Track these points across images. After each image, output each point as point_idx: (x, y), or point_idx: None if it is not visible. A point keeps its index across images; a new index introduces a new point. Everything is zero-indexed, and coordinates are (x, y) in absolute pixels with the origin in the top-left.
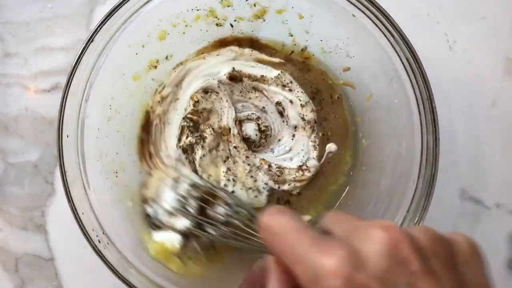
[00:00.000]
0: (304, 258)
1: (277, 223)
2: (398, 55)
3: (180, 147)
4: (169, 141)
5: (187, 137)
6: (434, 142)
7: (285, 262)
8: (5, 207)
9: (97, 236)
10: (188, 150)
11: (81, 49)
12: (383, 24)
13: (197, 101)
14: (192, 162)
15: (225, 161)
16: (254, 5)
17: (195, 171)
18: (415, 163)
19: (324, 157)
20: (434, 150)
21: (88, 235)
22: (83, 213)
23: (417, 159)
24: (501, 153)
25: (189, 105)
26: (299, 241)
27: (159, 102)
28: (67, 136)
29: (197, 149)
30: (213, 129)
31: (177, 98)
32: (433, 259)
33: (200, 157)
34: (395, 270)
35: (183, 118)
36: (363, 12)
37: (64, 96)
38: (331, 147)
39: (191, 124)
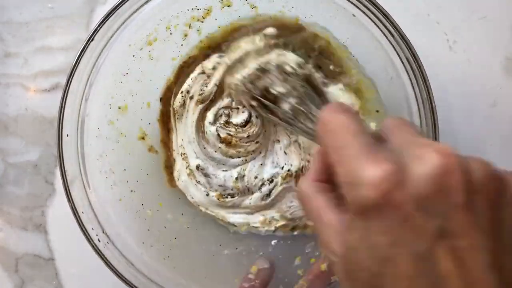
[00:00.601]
0: (349, 162)
1: (336, 120)
2: (398, 55)
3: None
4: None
5: None
6: None
7: (329, 157)
8: (5, 207)
9: (97, 235)
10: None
11: (81, 49)
12: (383, 24)
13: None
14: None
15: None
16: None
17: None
18: None
19: None
20: None
21: (88, 234)
22: (83, 212)
23: None
24: (501, 153)
25: None
26: (350, 144)
27: None
28: (67, 135)
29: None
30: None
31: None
32: (479, 195)
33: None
34: (436, 198)
35: None
36: (363, 12)
37: (64, 96)
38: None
39: None
